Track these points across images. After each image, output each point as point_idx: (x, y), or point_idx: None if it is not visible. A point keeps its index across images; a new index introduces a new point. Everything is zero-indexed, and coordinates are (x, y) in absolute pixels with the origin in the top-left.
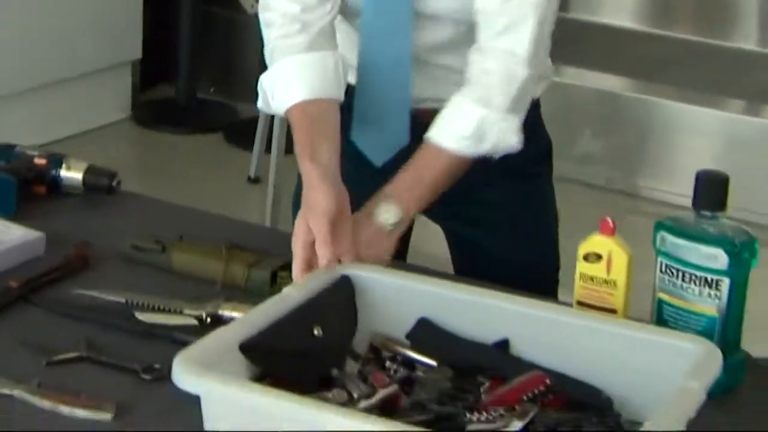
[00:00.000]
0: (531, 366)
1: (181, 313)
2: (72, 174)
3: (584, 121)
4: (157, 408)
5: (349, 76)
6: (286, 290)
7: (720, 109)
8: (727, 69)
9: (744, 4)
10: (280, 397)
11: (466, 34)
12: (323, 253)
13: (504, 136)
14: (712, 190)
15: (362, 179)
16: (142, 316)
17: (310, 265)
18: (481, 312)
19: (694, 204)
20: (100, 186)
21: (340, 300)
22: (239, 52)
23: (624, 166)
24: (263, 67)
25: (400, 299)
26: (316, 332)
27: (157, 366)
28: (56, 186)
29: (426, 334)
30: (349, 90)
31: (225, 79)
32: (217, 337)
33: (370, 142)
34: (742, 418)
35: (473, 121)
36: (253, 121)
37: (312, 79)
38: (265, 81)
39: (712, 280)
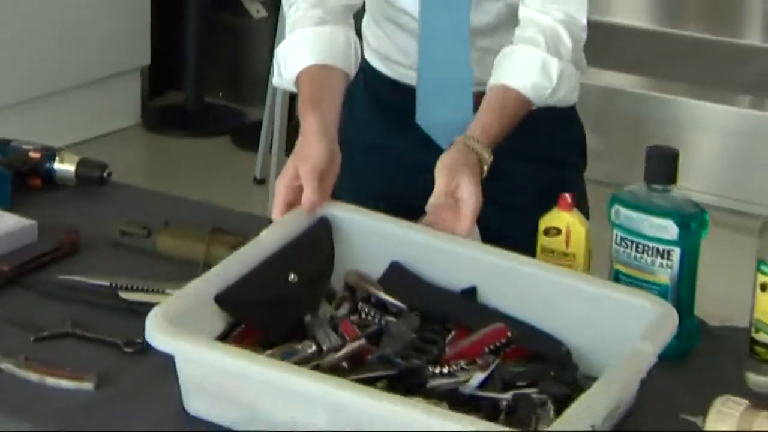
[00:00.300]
0: (496, 314)
1: (162, 292)
2: (65, 166)
3: (589, 118)
4: (138, 378)
5: (384, 67)
6: (264, 234)
7: (725, 104)
8: (731, 64)
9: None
10: (249, 358)
11: (507, 17)
12: (308, 200)
13: (572, 89)
14: (662, 164)
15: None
16: (126, 295)
17: (290, 207)
18: (453, 259)
19: (645, 178)
20: (92, 177)
21: (317, 243)
22: (246, 57)
23: (628, 162)
24: (269, 71)
25: (376, 241)
26: (291, 278)
27: (138, 340)
28: (50, 178)
29: (397, 278)
30: (405, 90)
31: (232, 84)
32: (192, 289)
33: (436, 124)
34: (695, 381)
35: (554, 72)
36: (260, 125)
37: (321, 48)
38: (279, 51)
39: (663, 250)
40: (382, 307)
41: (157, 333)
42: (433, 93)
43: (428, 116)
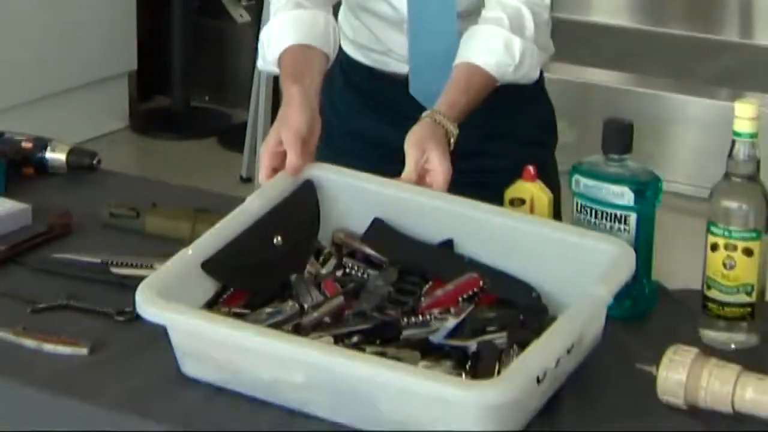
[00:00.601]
0: (471, 264)
1: (151, 267)
2: (56, 155)
3: (570, 113)
4: (128, 344)
5: (361, 56)
6: (249, 199)
7: (704, 97)
8: (708, 59)
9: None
10: (232, 326)
11: (480, 3)
12: (292, 165)
13: (534, 66)
14: (618, 135)
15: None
16: (117, 270)
17: (275, 172)
18: (431, 213)
19: (603, 149)
20: (83, 165)
21: (302, 205)
22: (231, 61)
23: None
24: (254, 74)
25: (359, 199)
26: (275, 241)
27: (128, 309)
28: (42, 167)
29: (379, 234)
30: (382, 77)
31: (218, 87)
32: (180, 259)
33: (428, 94)
34: (653, 338)
35: (517, 50)
36: (245, 126)
37: (301, 29)
38: (263, 34)
39: (621, 215)
40: (367, 261)
41: (147, 306)
42: (424, 66)
43: (420, 87)
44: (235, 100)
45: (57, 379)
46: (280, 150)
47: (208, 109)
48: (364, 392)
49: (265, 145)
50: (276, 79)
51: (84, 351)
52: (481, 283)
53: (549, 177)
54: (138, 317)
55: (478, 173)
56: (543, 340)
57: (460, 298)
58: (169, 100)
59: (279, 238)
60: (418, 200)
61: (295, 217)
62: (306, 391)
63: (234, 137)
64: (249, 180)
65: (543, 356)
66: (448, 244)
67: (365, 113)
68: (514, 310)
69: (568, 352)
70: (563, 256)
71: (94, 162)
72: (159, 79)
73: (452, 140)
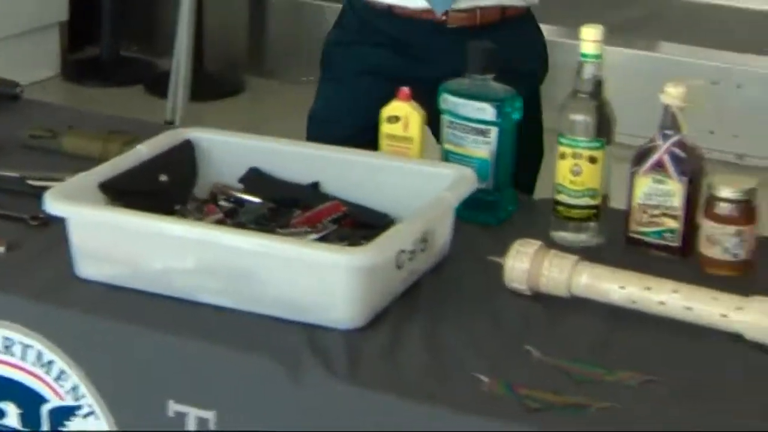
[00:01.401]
0: (335, 200)
1: (64, 180)
2: None
3: None
4: (41, 245)
5: None
6: (139, 147)
7: (620, 47)
8: (619, 9)
9: None
10: (129, 213)
11: None
12: None
13: None
14: (480, 57)
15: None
16: (33, 182)
17: None
18: (298, 159)
19: (468, 70)
20: (6, 94)
21: (182, 156)
22: (159, 12)
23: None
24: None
25: (235, 154)
26: (162, 178)
27: (41, 215)
28: None
29: (254, 178)
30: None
31: (146, 37)
32: (80, 178)
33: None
34: (509, 238)
35: None
36: (169, 74)
37: None
38: None
39: (483, 129)
40: (240, 204)
41: (53, 202)
42: None
43: None
44: (161, 50)
45: None
46: None
47: (136, 58)
48: (250, 268)
49: None
50: (198, 29)
51: (1, 249)
52: (343, 208)
53: (537, 105)
54: (49, 222)
55: None
56: (400, 226)
57: (324, 220)
58: (99, 50)
59: (164, 177)
60: (287, 149)
61: (176, 165)
62: (196, 276)
63: (159, 84)
64: (172, 123)
65: (401, 234)
66: (315, 185)
67: (379, 52)
68: (374, 230)
69: (423, 250)
70: (413, 185)
71: (18, 91)
72: (90, 29)
73: None
